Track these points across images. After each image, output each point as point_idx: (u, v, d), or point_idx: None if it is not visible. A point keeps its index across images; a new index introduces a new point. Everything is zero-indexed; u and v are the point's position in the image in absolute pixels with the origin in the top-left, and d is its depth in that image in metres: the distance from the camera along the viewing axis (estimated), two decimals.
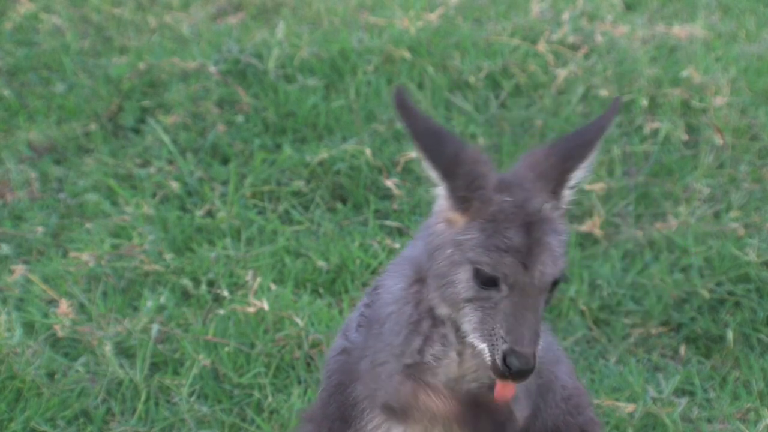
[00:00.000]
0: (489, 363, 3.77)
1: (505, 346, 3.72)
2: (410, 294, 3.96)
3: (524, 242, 3.75)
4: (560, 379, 4.31)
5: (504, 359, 3.73)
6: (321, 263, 6.12)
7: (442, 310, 3.89)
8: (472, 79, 7.35)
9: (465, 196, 3.80)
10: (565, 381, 4.33)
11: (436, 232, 3.87)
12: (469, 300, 3.78)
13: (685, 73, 7.47)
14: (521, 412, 3.98)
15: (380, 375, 3.98)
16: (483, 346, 3.78)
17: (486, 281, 3.75)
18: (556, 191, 3.86)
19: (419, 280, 3.94)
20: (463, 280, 3.78)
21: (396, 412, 3.97)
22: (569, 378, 4.36)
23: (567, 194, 3.91)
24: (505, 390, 3.89)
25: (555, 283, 3.80)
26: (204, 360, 5.55)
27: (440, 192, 3.86)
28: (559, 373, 4.31)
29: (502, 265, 3.73)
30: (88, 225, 6.42)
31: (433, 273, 3.85)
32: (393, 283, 4.04)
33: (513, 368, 3.72)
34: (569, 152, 3.88)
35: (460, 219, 3.83)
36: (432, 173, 3.85)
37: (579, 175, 3.91)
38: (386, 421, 4.10)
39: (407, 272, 3.99)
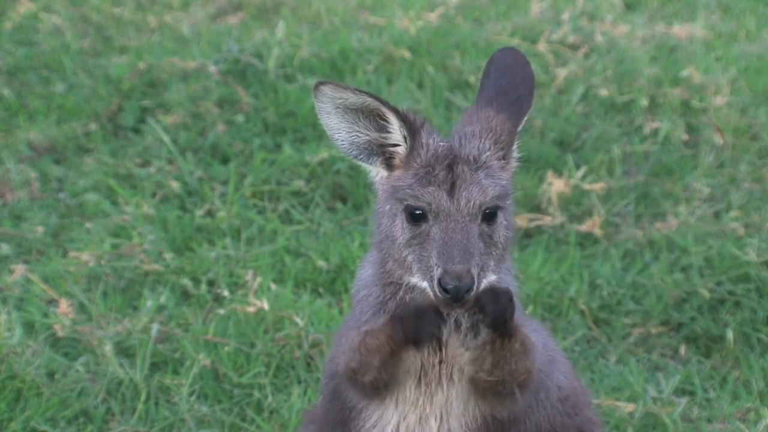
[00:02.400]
0: (432, 296, 3.86)
1: (439, 271, 3.83)
2: (377, 276, 4.07)
3: (449, 176, 3.92)
4: (555, 379, 4.30)
5: (440, 284, 3.82)
6: (321, 263, 6.12)
7: (399, 272, 3.98)
8: (472, 79, 7.35)
9: (404, 145, 3.99)
10: (560, 381, 4.32)
11: (378, 194, 4.05)
12: (408, 243, 3.92)
13: (685, 73, 7.47)
14: None
15: (343, 345, 4.08)
16: (424, 284, 3.90)
17: (414, 216, 3.91)
18: (507, 148, 4.02)
19: (384, 261, 4.04)
20: (399, 227, 3.94)
21: (357, 372, 4.04)
22: (565, 378, 4.35)
23: (515, 150, 4.07)
24: None
25: (491, 215, 3.91)
26: (204, 360, 5.56)
27: (377, 162, 4.05)
28: (554, 373, 4.30)
29: (426, 194, 3.90)
30: (88, 225, 6.42)
31: (383, 237, 4.00)
32: (363, 271, 4.19)
33: (448, 289, 3.80)
34: (513, 109, 4.05)
35: (397, 170, 4.01)
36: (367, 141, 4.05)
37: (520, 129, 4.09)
38: (376, 410, 4.15)
39: (374, 258, 4.13)
